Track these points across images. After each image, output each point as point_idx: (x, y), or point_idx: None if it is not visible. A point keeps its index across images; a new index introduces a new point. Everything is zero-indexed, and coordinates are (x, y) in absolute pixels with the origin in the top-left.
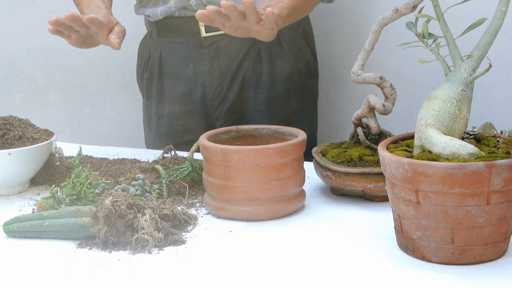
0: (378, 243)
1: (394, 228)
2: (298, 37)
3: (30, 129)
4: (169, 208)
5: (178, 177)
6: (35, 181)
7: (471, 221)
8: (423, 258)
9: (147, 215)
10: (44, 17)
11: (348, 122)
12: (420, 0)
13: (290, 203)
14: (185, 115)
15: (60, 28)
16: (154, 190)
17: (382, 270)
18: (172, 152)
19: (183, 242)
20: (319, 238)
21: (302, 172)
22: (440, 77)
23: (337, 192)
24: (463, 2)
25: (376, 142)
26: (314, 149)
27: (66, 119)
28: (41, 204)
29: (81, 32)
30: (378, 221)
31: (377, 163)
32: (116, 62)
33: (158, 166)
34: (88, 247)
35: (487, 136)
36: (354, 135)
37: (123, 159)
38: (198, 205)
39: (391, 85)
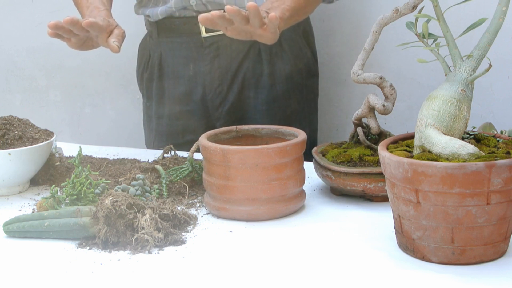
0: (378, 243)
1: (394, 228)
2: (298, 37)
3: (30, 129)
4: (169, 208)
5: (178, 177)
6: (35, 181)
7: (471, 221)
8: (423, 258)
9: (147, 215)
10: (44, 17)
11: (348, 122)
12: (420, 0)
13: (290, 203)
14: (185, 115)
15: (60, 31)
16: (154, 190)
17: (382, 270)
18: (172, 152)
19: (183, 242)
20: (319, 238)
21: (302, 172)
22: (440, 77)
23: (337, 192)
24: (463, 2)
25: (376, 142)
26: (314, 149)
27: (66, 119)
28: (41, 204)
29: (81, 35)
30: (378, 221)
31: (377, 163)
32: (116, 62)
33: (158, 166)
34: (88, 247)
35: (487, 136)
36: (354, 135)
37: (123, 159)
38: (198, 205)
39: (391, 85)
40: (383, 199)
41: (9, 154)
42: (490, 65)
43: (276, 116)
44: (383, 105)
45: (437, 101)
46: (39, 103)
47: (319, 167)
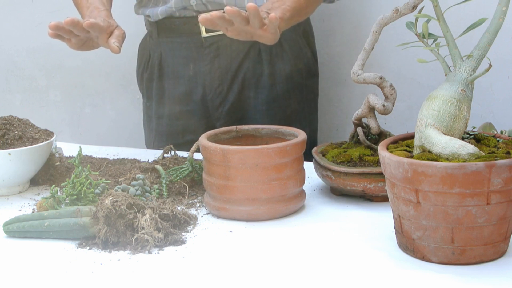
0: (378, 243)
1: (394, 228)
2: (299, 37)
3: (30, 129)
4: (169, 208)
5: (178, 177)
6: (35, 181)
7: (471, 221)
8: (423, 258)
9: (147, 215)
10: (44, 17)
11: (348, 122)
12: (420, 0)
13: (290, 203)
14: (185, 115)
15: (60, 32)
16: (154, 190)
17: (382, 270)
18: (172, 152)
19: (183, 242)
20: (319, 238)
21: (302, 172)
22: (440, 77)
23: (337, 192)
24: (463, 2)
25: (376, 142)
26: (314, 149)
27: (66, 119)
28: (41, 204)
29: (81, 36)
30: (378, 221)
31: (377, 163)
32: (116, 62)
33: (158, 166)
34: (88, 247)
35: (487, 136)
36: (354, 135)
37: (123, 159)
38: (198, 205)
39: (391, 85)
40: (383, 199)
41: (9, 154)
42: (490, 65)
43: (276, 116)
44: (383, 105)
45: (437, 101)
46: (39, 103)
47: (319, 167)
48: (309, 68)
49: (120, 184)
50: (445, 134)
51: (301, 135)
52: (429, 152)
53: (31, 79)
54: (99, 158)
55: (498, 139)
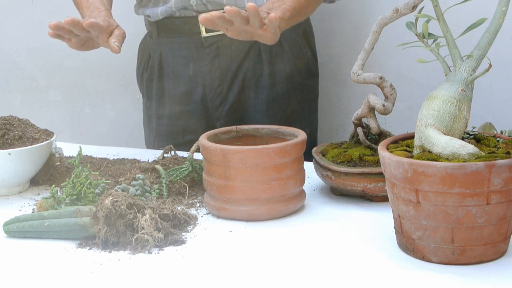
0: (378, 243)
1: (394, 228)
2: (299, 37)
3: (30, 129)
4: (169, 208)
5: (178, 177)
6: (35, 181)
7: (471, 221)
8: (423, 258)
9: (147, 215)
10: (44, 17)
11: (348, 122)
12: (420, 0)
13: (290, 203)
14: (185, 115)
15: (60, 32)
16: (154, 190)
17: (382, 270)
18: (172, 152)
19: (183, 242)
20: (319, 238)
21: (302, 172)
22: (440, 77)
23: (337, 192)
24: (463, 2)
25: (376, 142)
26: (314, 149)
27: (66, 119)
28: (41, 204)
29: (81, 36)
30: (378, 221)
31: (377, 163)
32: (116, 62)
33: (158, 166)
34: (88, 247)
35: (487, 136)
36: (354, 135)
37: (123, 159)
38: (198, 205)
39: (391, 85)
40: (383, 199)
41: (9, 154)
42: (490, 65)
43: (276, 116)
44: (383, 105)
45: (437, 101)
46: (39, 103)
47: (319, 167)
48: (309, 68)
49: (120, 184)
50: (445, 134)
51: (301, 135)
52: (429, 152)
53: (31, 79)
54: (99, 158)
55: (498, 139)
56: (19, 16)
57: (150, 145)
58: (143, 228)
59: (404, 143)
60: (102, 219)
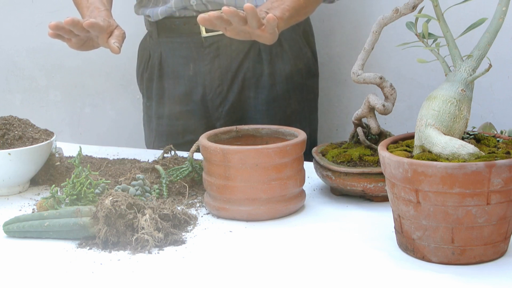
0: (378, 243)
1: (394, 228)
2: (299, 37)
3: (30, 129)
4: (169, 208)
5: (178, 177)
6: (35, 181)
7: (471, 221)
8: (423, 258)
9: (147, 215)
10: (44, 17)
11: (348, 122)
12: (420, 0)
13: (290, 203)
14: (185, 115)
15: (60, 32)
16: (154, 190)
17: (382, 270)
18: (172, 152)
19: (183, 242)
20: (319, 238)
21: (302, 172)
22: (440, 77)
23: (337, 192)
24: (463, 2)
25: (376, 142)
26: (314, 149)
27: (66, 119)
28: (41, 204)
29: (81, 36)
30: (378, 221)
31: (377, 163)
32: (116, 62)
33: (158, 166)
34: (88, 247)
35: (487, 136)
36: (354, 135)
37: (123, 159)
38: (198, 205)
39: (391, 85)
40: (383, 199)
41: (9, 154)
42: (490, 65)
43: (276, 116)
44: (383, 105)
45: (437, 101)
46: (39, 103)
47: (319, 167)
48: (309, 68)
49: (120, 184)
50: (445, 134)
51: (301, 135)
52: (429, 152)
53: (31, 79)
54: (99, 158)
55: (498, 139)
56: (19, 16)
57: (150, 145)
58: (143, 228)
59: (404, 143)
60: (102, 219)
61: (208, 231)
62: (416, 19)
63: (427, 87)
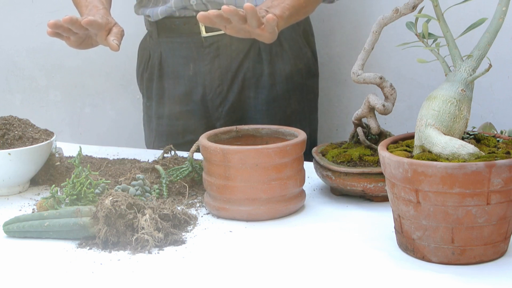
0: (378, 243)
1: (394, 228)
2: (299, 37)
3: (30, 129)
4: (169, 208)
5: (178, 177)
6: (35, 181)
7: (471, 221)
8: (423, 258)
9: (147, 215)
10: (44, 17)
11: (348, 122)
12: (420, 0)
13: (290, 203)
14: (185, 115)
15: (59, 30)
16: (154, 190)
17: (382, 270)
18: (172, 152)
19: (183, 242)
20: (319, 238)
21: (302, 172)
22: (440, 77)
23: (337, 192)
24: (463, 2)
25: (376, 142)
26: (314, 149)
27: (66, 119)
28: (41, 204)
29: (80, 34)
30: (378, 221)
31: (377, 163)
32: (116, 62)
33: (158, 166)
34: (88, 247)
35: (487, 136)
36: (354, 135)
37: (123, 159)
38: (198, 205)
39: (391, 85)
40: (383, 199)
41: (9, 154)
42: (490, 65)
43: (276, 116)
44: (383, 105)
45: (437, 101)
46: (39, 103)
47: (319, 167)
48: (309, 68)
49: (120, 184)
50: (445, 134)
51: (301, 135)
52: (429, 152)
53: (31, 79)
54: (99, 158)
55: (498, 139)
56: (19, 16)
57: (150, 145)
58: (143, 228)
59: (404, 143)
60: (102, 219)
61: (208, 231)
62: (416, 19)
63: (427, 87)
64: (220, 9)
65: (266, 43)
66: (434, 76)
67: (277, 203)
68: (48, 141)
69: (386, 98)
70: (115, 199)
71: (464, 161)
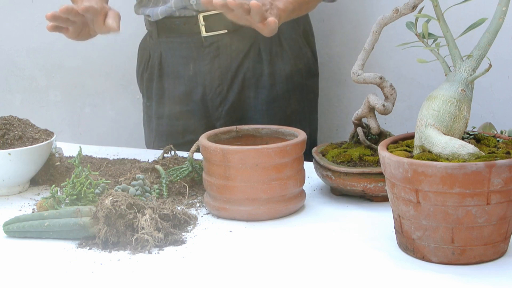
0: (378, 243)
1: (394, 228)
2: (299, 37)
3: (30, 129)
4: (169, 208)
5: (178, 177)
6: (35, 181)
7: (471, 221)
8: (423, 258)
9: (147, 215)
10: (44, 17)
11: (348, 122)
12: (420, 0)
13: (290, 203)
14: (185, 115)
15: (58, 22)
16: (154, 190)
17: (382, 270)
18: (172, 152)
19: (183, 242)
20: (319, 238)
21: (302, 172)
22: (440, 77)
23: (337, 192)
24: (463, 2)
25: (376, 142)
26: (314, 149)
27: (66, 119)
28: (41, 204)
29: (78, 22)
30: (378, 221)
31: (377, 163)
32: (116, 62)
33: (158, 166)
34: (88, 247)
35: (487, 136)
36: (354, 135)
37: (123, 159)
38: (198, 205)
39: (391, 85)
40: (383, 199)
41: (9, 154)
42: (490, 65)
43: (276, 116)
44: (383, 105)
45: (437, 101)
46: (39, 103)
47: (319, 167)
48: (309, 68)
49: (120, 184)
50: (445, 134)
51: (301, 135)
52: (429, 152)
53: (31, 79)
54: (99, 158)
55: (498, 139)
56: (19, 16)
57: (150, 145)
58: (143, 228)
59: (404, 143)
60: (102, 219)
61: (208, 231)
62: (416, 19)
63: (427, 87)
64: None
65: (265, 36)
66: (434, 76)
67: (277, 203)
68: (48, 141)
69: (386, 98)
70: (115, 199)
71: (464, 161)
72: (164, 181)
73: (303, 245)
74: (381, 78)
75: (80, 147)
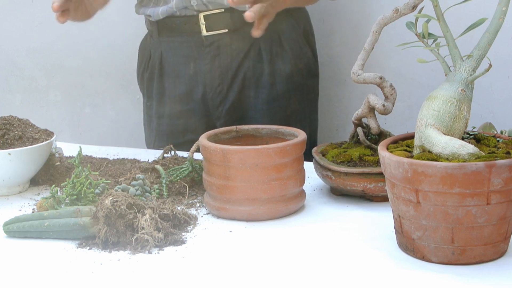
0: (378, 243)
1: (394, 228)
2: (299, 37)
3: (30, 129)
4: (169, 208)
5: (178, 177)
6: (35, 181)
7: (471, 221)
8: (423, 258)
9: (147, 215)
10: (44, 17)
11: (348, 122)
12: (420, 0)
13: (290, 203)
14: (185, 114)
15: (65, 6)
16: (154, 190)
17: (382, 270)
18: (172, 152)
19: (183, 242)
20: (319, 238)
21: (302, 172)
22: (440, 77)
23: (337, 192)
24: (463, 2)
25: (376, 142)
26: (314, 149)
27: (66, 119)
28: (41, 204)
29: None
30: (378, 221)
31: (377, 163)
32: (116, 62)
33: (158, 166)
34: (88, 247)
35: (487, 136)
36: (354, 135)
37: (123, 159)
38: (198, 205)
39: (391, 85)
40: (383, 199)
41: (9, 154)
42: (490, 65)
43: (276, 116)
44: (383, 105)
45: (437, 101)
46: (39, 103)
47: (319, 167)
48: (310, 68)
49: (120, 184)
50: (445, 134)
51: (301, 135)
52: (429, 152)
53: (31, 79)
54: (99, 158)
55: (498, 139)
56: (19, 16)
57: (150, 145)
58: (143, 228)
59: (404, 143)
60: (102, 219)
61: (208, 231)
62: (416, 19)
63: (427, 87)
64: (221, 9)
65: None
66: (434, 76)
67: (277, 203)
68: (48, 141)
69: (386, 98)
70: (115, 199)
71: (464, 161)
72: (164, 181)
73: (303, 245)
74: (381, 78)
75: (80, 147)
